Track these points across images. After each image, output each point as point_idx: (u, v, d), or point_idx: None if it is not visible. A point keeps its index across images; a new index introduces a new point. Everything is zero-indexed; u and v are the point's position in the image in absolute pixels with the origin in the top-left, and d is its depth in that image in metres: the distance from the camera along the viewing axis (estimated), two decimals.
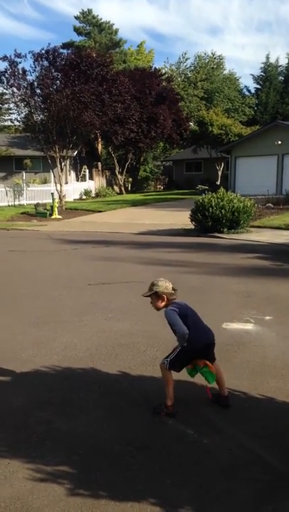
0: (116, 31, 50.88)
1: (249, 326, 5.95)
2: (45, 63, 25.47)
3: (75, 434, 3.44)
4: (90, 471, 2.97)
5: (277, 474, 2.97)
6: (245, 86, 53.89)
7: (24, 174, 30.53)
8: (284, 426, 3.55)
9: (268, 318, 6.30)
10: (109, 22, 50.32)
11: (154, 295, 3.80)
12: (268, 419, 3.64)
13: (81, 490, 2.79)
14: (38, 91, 25.84)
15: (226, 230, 15.43)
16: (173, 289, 3.81)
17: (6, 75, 25.28)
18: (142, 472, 2.97)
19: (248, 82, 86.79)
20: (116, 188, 40.04)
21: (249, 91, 50.32)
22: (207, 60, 50.96)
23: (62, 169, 27.82)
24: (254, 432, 3.46)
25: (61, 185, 27.20)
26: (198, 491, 2.81)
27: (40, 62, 25.38)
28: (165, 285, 3.79)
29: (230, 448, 3.26)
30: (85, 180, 37.24)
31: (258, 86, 48.14)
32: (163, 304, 3.80)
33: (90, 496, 2.74)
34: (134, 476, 2.93)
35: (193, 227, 16.48)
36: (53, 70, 25.70)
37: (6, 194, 27.88)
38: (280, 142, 27.34)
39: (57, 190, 26.73)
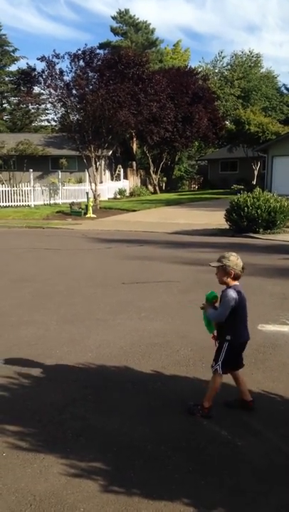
0: (152, 31, 51.01)
1: (285, 328, 5.84)
2: (82, 63, 25.71)
3: (109, 431, 3.46)
4: (123, 469, 2.98)
5: None
6: (284, 84, 52.80)
7: (60, 173, 30.95)
8: None
9: None
10: (146, 22, 50.50)
11: (222, 268, 3.68)
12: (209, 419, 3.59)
13: (115, 487, 2.80)
14: (74, 91, 26.12)
15: (261, 230, 15.19)
16: (242, 268, 3.72)
17: (44, 76, 25.67)
18: (175, 472, 2.95)
19: (286, 80, 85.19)
20: (150, 187, 40.09)
21: (287, 89, 49.39)
22: (244, 59, 50.34)
23: (97, 169, 28.04)
24: None
25: (96, 185, 27.42)
26: (233, 493, 2.77)
27: (77, 63, 25.64)
28: (236, 261, 3.67)
29: (266, 451, 3.21)
30: (120, 180, 37.43)
31: None
32: (228, 280, 3.70)
33: (123, 493, 2.75)
34: (168, 476, 2.92)
35: (228, 227, 16.30)
36: (88, 71, 25.91)
37: (42, 193, 28.32)
38: None
39: (91, 190, 26.96)
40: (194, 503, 2.66)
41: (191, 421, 3.61)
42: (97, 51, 26.87)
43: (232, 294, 3.63)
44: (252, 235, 15.06)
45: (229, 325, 3.66)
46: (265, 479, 2.91)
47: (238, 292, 3.68)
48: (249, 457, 3.13)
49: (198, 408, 3.69)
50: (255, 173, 37.88)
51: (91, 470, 2.97)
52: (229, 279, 3.70)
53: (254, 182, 34.95)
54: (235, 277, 3.71)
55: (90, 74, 26.04)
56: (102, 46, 45.36)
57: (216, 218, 18.14)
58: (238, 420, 3.61)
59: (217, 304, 3.76)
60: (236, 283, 3.74)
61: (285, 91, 48.93)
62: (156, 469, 2.99)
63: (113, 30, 51.15)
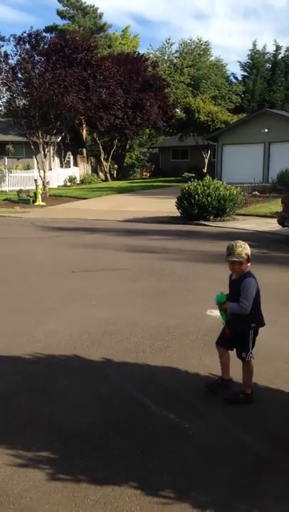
0: (100, 15, 50.14)
1: None
2: (28, 47, 24.98)
3: (57, 420, 3.43)
4: (71, 457, 2.97)
5: (259, 458, 3.00)
6: (232, 73, 53.62)
7: (6, 160, 30.10)
8: (267, 410, 3.58)
9: None
10: (93, 6, 49.55)
11: (247, 259, 3.65)
12: (251, 404, 3.67)
13: (62, 475, 2.78)
14: (20, 75, 25.36)
15: (212, 217, 15.44)
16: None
17: None
18: (123, 457, 2.97)
19: (235, 69, 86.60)
20: (101, 174, 39.75)
21: (236, 78, 50.04)
22: (193, 46, 50.51)
23: (45, 155, 27.47)
24: (237, 417, 3.48)
25: (45, 172, 26.88)
26: (180, 474, 2.82)
27: (23, 46, 24.88)
28: (248, 247, 3.66)
29: (213, 432, 3.28)
30: (70, 167, 36.88)
31: (245, 73, 47.89)
32: (246, 266, 3.68)
33: (70, 480, 2.74)
34: (116, 461, 2.93)
35: (179, 214, 16.46)
36: (34, 54, 25.22)
37: None
38: (266, 130, 27.36)
39: (40, 177, 26.42)
40: (141, 486, 2.68)
41: (139, 406, 3.63)
42: (44, 34, 26.21)
43: (253, 282, 3.64)
44: (202, 222, 15.29)
45: (252, 312, 3.64)
46: (211, 459, 2.97)
47: (254, 276, 3.69)
48: (196, 439, 3.19)
49: (240, 396, 3.69)
50: (206, 161, 38.33)
51: (38, 459, 2.93)
52: (247, 266, 3.70)
53: (205, 170, 35.37)
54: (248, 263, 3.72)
55: (36, 58, 25.37)
56: (48, 29, 44.20)
57: (167, 206, 18.27)
58: (186, 403, 3.67)
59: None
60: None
61: (234, 80, 49.60)
62: (104, 455, 2.99)
63: (60, 14, 49.88)
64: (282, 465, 2.92)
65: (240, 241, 3.71)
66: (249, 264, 3.71)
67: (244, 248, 3.63)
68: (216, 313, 5.96)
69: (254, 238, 12.27)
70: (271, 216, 15.19)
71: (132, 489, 2.67)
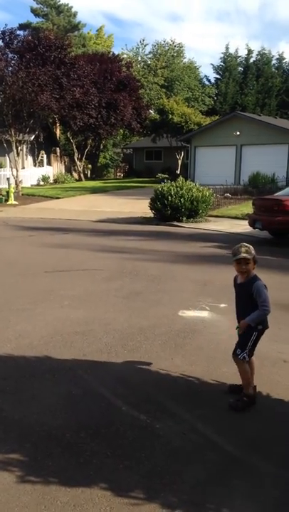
0: (75, 14, 49.90)
1: (204, 314, 6.04)
2: (1, 44, 24.64)
3: (28, 422, 3.40)
4: (41, 458, 2.95)
5: (228, 457, 3.05)
6: (205, 76, 53.95)
7: None
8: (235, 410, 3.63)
9: (223, 305, 6.40)
10: (67, 4, 49.27)
11: (253, 259, 3.66)
12: (220, 404, 3.72)
13: (32, 477, 2.77)
14: None
15: (184, 218, 15.54)
16: None
17: None
18: (94, 458, 2.97)
19: (208, 72, 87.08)
20: (75, 174, 39.48)
21: (209, 81, 50.49)
22: (167, 48, 50.73)
23: (18, 154, 27.14)
24: (207, 416, 3.53)
25: (17, 170, 26.54)
26: (150, 474, 2.84)
27: None
28: (253, 250, 3.67)
29: (183, 432, 3.32)
30: (43, 166, 36.50)
31: (218, 76, 48.44)
32: (253, 268, 3.70)
33: (40, 482, 2.73)
34: (87, 462, 2.93)
35: (152, 215, 16.50)
36: (8, 52, 24.89)
37: None
38: (238, 133, 27.72)
39: (13, 175, 26.06)
40: (112, 487, 2.70)
41: (110, 407, 3.64)
42: (18, 32, 25.91)
43: (262, 284, 3.65)
44: (175, 223, 15.37)
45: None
46: (181, 459, 3.01)
47: (260, 278, 3.71)
48: (166, 439, 3.22)
49: (243, 400, 3.65)
50: (179, 162, 38.55)
51: (7, 462, 2.91)
52: (253, 269, 3.72)
53: (178, 171, 35.57)
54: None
55: (10, 55, 25.05)
56: (22, 27, 43.70)
57: (141, 207, 18.29)
58: (157, 404, 3.69)
59: None
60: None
61: (207, 82, 50.03)
62: (74, 456, 2.98)
63: (34, 11, 49.38)
64: (250, 464, 2.98)
65: (244, 243, 3.74)
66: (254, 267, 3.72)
67: (250, 248, 3.67)
68: (188, 313, 6.03)
69: (226, 239, 12.43)
70: (243, 218, 15.40)
71: (102, 490, 2.68)
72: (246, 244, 3.70)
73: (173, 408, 3.64)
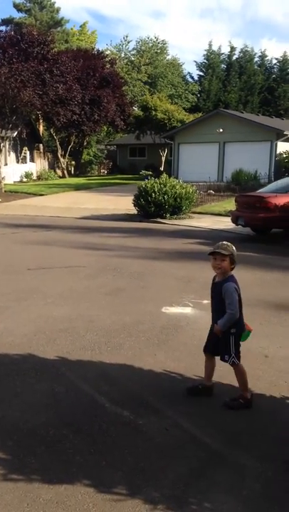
0: (58, 10, 49.52)
1: (187, 310, 6.08)
2: None
3: (10, 419, 3.39)
4: (24, 456, 2.95)
5: (210, 452, 3.08)
6: (189, 72, 53.99)
7: None
8: (217, 405, 3.67)
9: (205, 302, 6.42)
10: (50, 0, 48.81)
11: (230, 257, 3.61)
12: (202, 400, 3.75)
13: (14, 475, 2.76)
14: None
15: (168, 215, 15.58)
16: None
17: None
18: (77, 455, 2.98)
19: (191, 69, 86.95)
20: (58, 171, 39.25)
21: (192, 78, 50.62)
22: (151, 44, 50.68)
23: (0, 150, 26.86)
24: (189, 412, 3.56)
25: (0, 167, 26.28)
26: (133, 470, 2.85)
27: None
28: (234, 250, 3.64)
29: (166, 428, 3.34)
30: (26, 163, 36.18)
31: (201, 73, 48.57)
32: (230, 268, 3.66)
33: (22, 480, 2.72)
34: (70, 459, 2.93)
35: (136, 212, 16.50)
36: None
37: None
38: (221, 130, 27.84)
39: None
40: (95, 484, 2.70)
41: (94, 404, 3.64)
42: (0, 28, 25.55)
43: (232, 286, 3.60)
44: (159, 220, 15.40)
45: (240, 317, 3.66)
46: (163, 455, 3.03)
47: (235, 281, 3.66)
48: (149, 435, 3.24)
49: (239, 402, 3.64)
50: (163, 159, 38.56)
51: None
52: (230, 269, 3.68)
53: (162, 168, 35.61)
54: (233, 267, 3.70)
55: None
56: (4, 22, 43.27)
57: (124, 203, 18.27)
58: (140, 401, 3.71)
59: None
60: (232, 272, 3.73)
61: (190, 79, 50.13)
62: (57, 454, 2.98)
63: (16, 7, 48.87)
64: (231, 458, 3.01)
65: (227, 243, 3.70)
66: (233, 267, 3.69)
67: (229, 246, 3.64)
68: (171, 310, 6.06)
69: (209, 236, 12.50)
70: (226, 215, 15.50)
71: (85, 487, 2.68)
72: (228, 243, 3.70)
73: (156, 404, 3.66)
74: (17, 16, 48.06)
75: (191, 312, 6.00)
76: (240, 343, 3.74)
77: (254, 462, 2.97)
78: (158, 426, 3.36)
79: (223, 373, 4.08)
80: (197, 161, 28.49)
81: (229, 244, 3.69)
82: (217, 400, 3.74)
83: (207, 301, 6.39)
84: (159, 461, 2.96)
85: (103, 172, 48.08)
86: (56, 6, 49.17)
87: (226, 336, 3.66)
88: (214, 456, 3.04)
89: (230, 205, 16.21)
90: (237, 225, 12.33)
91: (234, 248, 3.67)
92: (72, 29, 51.16)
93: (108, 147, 50.38)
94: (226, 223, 13.98)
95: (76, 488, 2.67)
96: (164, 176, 16.45)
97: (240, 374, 3.74)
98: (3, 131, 26.24)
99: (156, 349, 4.75)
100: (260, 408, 3.65)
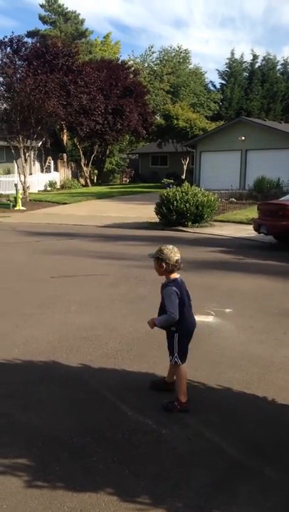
0: (82, 21, 50.32)
1: (210, 319, 6.06)
2: (9, 51, 24.90)
3: (35, 426, 3.43)
4: (48, 463, 2.98)
5: (234, 462, 3.06)
6: (211, 81, 54.26)
7: None
8: (240, 415, 3.65)
9: (228, 310, 6.42)
10: (75, 12, 49.71)
11: (156, 260, 3.75)
12: (225, 409, 3.73)
13: (39, 482, 2.79)
14: (1, 79, 25.26)
15: (190, 223, 15.59)
16: (176, 262, 3.73)
17: None
18: (100, 463, 2.99)
19: (213, 77, 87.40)
20: (81, 180, 39.69)
21: (214, 86, 50.68)
22: (173, 54, 50.99)
23: (26, 160, 27.35)
24: (212, 422, 3.54)
25: (25, 176, 26.73)
26: (156, 479, 2.86)
27: (4, 50, 24.79)
28: (169, 255, 3.70)
29: (189, 437, 3.33)
30: (50, 172, 36.74)
31: (223, 81, 48.59)
32: (164, 272, 3.77)
33: (47, 487, 2.75)
34: (93, 467, 2.95)
35: (158, 220, 16.56)
36: (16, 59, 25.16)
37: None
38: (243, 138, 27.77)
39: (21, 181, 26.25)
40: (118, 492, 2.72)
41: (116, 412, 3.66)
42: (25, 39, 26.17)
43: (171, 289, 3.69)
44: (181, 228, 15.42)
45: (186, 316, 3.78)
46: (186, 464, 3.02)
47: (178, 284, 3.75)
48: (172, 444, 3.24)
49: (174, 404, 3.68)
50: (185, 167, 38.65)
51: (15, 466, 2.93)
52: (165, 273, 3.77)
53: (183, 176, 35.66)
54: (170, 271, 3.75)
55: (18, 62, 25.29)
56: (30, 34, 44.12)
57: (146, 212, 18.35)
58: (161, 409, 3.71)
59: None
60: (175, 276, 3.80)
61: (212, 88, 50.19)
62: (81, 461, 3.01)
63: (42, 19, 49.88)
64: (255, 469, 2.99)
65: (167, 246, 3.78)
66: (166, 273, 3.77)
67: (160, 250, 3.74)
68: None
69: (231, 244, 12.45)
70: (248, 222, 15.42)
71: (109, 496, 2.70)
72: (162, 247, 3.78)
73: (178, 413, 3.65)
74: (42, 28, 49.03)
75: (213, 321, 5.98)
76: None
77: (278, 474, 2.94)
78: (180, 435, 3.35)
79: (247, 384, 4.07)
80: (219, 169, 28.46)
81: (162, 247, 3.76)
82: (240, 410, 3.72)
83: (229, 310, 6.39)
84: (182, 470, 2.96)
85: (125, 181, 48.40)
86: (80, 17, 50.02)
87: (169, 336, 3.81)
88: (237, 466, 3.02)
89: (253, 213, 16.12)
90: (259, 233, 12.25)
91: (167, 251, 3.70)
92: (96, 40, 51.90)
93: (130, 156, 50.72)
94: (248, 231, 13.90)
95: (100, 496, 2.69)
96: (186, 184, 16.47)
97: (179, 377, 3.77)
98: (29, 141, 26.73)
99: None
100: (284, 419, 3.61)
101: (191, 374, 4.25)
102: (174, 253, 3.72)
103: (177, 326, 3.74)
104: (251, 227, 13.11)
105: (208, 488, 2.79)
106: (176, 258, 3.73)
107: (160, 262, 3.73)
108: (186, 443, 3.26)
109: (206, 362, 4.66)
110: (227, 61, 48.66)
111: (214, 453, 3.15)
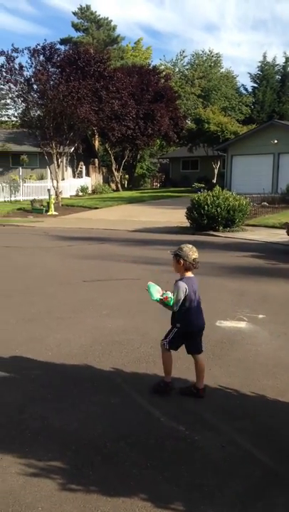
0: (114, 28, 50.85)
1: (242, 324, 5.99)
2: (42, 58, 25.39)
3: (68, 430, 3.46)
4: (82, 467, 3.00)
5: (268, 471, 3.01)
6: (242, 85, 54.02)
7: (21, 170, 30.45)
8: (275, 423, 3.59)
9: (261, 316, 6.34)
10: (107, 18, 50.27)
11: (175, 256, 3.93)
12: (259, 417, 3.68)
13: (73, 485, 2.81)
14: (35, 87, 25.77)
15: (221, 228, 15.47)
16: (193, 261, 3.89)
17: (3, 71, 25.17)
18: (134, 468, 2.99)
19: (244, 81, 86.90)
20: (112, 184, 40.01)
21: (246, 89, 50.30)
22: (205, 58, 50.92)
23: (58, 165, 27.76)
24: (246, 429, 3.50)
25: (58, 182, 27.13)
26: (190, 486, 2.84)
27: (37, 58, 25.29)
28: (188, 253, 3.88)
29: (223, 444, 3.30)
30: (82, 177, 37.17)
31: (255, 85, 48.17)
32: (181, 269, 3.95)
33: (81, 491, 2.77)
34: (126, 472, 2.95)
35: (188, 225, 16.51)
36: (49, 66, 25.62)
37: (3, 190, 27.79)
38: (276, 141, 27.42)
39: (53, 187, 26.66)
40: (152, 499, 2.71)
41: (149, 418, 3.66)
42: (58, 46, 26.61)
43: (181, 284, 3.88)
44: (212, 232, 15.32)
45: (180, 314, 3.96)
46: (220, 472, 2.99)
47: (190, 281, 3.93)
48: (205, 451, 3.21)
49: (161, 385, 3.99)
50: (216, 171, 38.43)
51: (49, 469, 2.97)
52: (181, 269, 3.94)
53: (214, 181, 35.46)
54: (186, 268, 3.92)
55: (51, 70, 25.76)
56: (63, 42, 44.86)
57: (177, 216, 18.32)
58: (195, 415, 3.69)
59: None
60: (189, 274, 3.97)
61: (243, 91, 49.82)
62: (114, 466, 3.02)
63: (74, 26, 50.67)
64: None
65: (187, 244, 3.98)
66: (182, 270, 3.95)
67: (180, 249, 3.91)
68: (226, 324, 5.99)
69: (263, 249, 12.28)
70: (280, 227, 15.18)
71: (142, 501, 2.69)
72: (182, 245, 3.97)
73: (211, 420, 3.63)
74: (75, 35, 49.81)
75: (246, 327, 5.91)
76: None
77: None
78: (214, 442, 3.32)
79: (281, 391, 4.00)
80: (251, 173, 28.16)
81: (182, 245, 3.96)
82: (274, 419, 3.66)
83: (262, 316, 6.30)
84: (216, 478, 2.93)
85: (156, 185, 48.50)
86: (112, 24, 50.55)
87: (172, 326, 4.07)
88: (272, 475, 2.97)
89: (285, 217, 15.89)
90: None
91: (186, 249, 3.89)
92: (127, 46, 52.34)
93: (161, 160, 50.84)
94: (280, 236, 13.69)
95: (134, 501, 2.69)
96: (217, 188, 16.37)
97: (164, 360, 4.07)
98: (61, 147, 27.14)
99: (211, 364, 4.70)
100: None
101: (224, 380, 4.21)
102: (192, 252, 3.90)
103: (181, 325, 3.96)
104: (284, 231, 12.90)
105: (242, 497, 2.75)
106: (194, 257, 3.89)
107: (178, 259, 3.90)
108: (220, 450, 3.22)
109: (239, 368, 4.60)
110: (259, 64, 48.27)
111: (248, 461, 3.11)
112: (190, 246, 3.94)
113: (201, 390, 3.98)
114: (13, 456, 3.11)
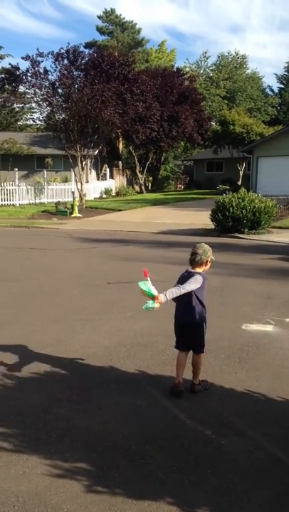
0: (139, 30, 51.10)
1: (269, 328, 5.90)
2: (66, 62, 25.62)
3: (94, 431, 3.46)
4: (107, 469, 2.98)
5: None
6: (269, 86, 53.39)
7: (45, 173, 30.78)
8: None
9: (288, 320, 6.23)
10: (132, 21, 50.57)
11: (211, 261, 4.29)
12: (286, 422, 3.60)
13: (98, 487, 2.80)
14: (60, 90, 26.04)
15: (246, 230, 15.31)
16: (191, 254, 4.38)
17: (29, 75, 25.52)
18: (159, 471, 2.96)
19: (270, 81, 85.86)
20: (136, 187, 40.09)
21: (272, 90, 49.80)
22: (230, 59, 50.64)
23: (83, 168, 27.97)
24: (273, 434, 3.43)
25: (82, 184, 27.33)
26: (216, 491, 2.79)
27: (61, 62, 25.54)
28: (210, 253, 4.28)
29: (249, 449, 3.24)
30: (106, 179, 37.36)
31: (281, 85, 47.64)
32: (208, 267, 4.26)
33: (107, 493, 2.75)
34: (152, 475, 2.92)
35: (213, 227, 16.39)
36: (73, 70, 25.84)
37: (27, 192, 28.14)
38: None
39: (77, 189, 26.86)
40: (178, 503, 2.67)
41: (175, 421, 3.62)
42: (81, 49, 26.80)
43: (199, 277, 4.19)
44: (237, 235, 15.17)
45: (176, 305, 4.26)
46: (247, 477, 2.93)
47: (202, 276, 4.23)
48: (232, 456, 3.15)
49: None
50: (241, 173, 38.11)
51: (75, 471, 2.96)
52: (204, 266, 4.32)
53: (239, 182, 35.17)
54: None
55: (75, 73, 25.98)
56: (88, 45, 45.29)
57: (201, 218, 18.22)
58: (221, 420, 3.64)
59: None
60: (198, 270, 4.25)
61: (269, 92, 49.33)
62: (140, 469, 2.99)
63: (99, 30, 51.10)
64: None
65: (202, 245, 4.31)
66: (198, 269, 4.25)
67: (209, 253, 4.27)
68: (252, 327, 5.91)
69: None
70: None
71: (168, 505, 2.66)
72: (206, 248, 4.29)
73: (238, 424, 3.57)
74: (100, 38, 50.22)
75: (273, 330, 5.81)
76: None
77: None
78: (241, 447, 3.26)
79: None
80: (277, 175, 27.78)
81: (208, 248, 4.28)
82: None
83: None
84: (243, 483, 2.87)
85: (180, 187, 48.39)
86: (137, 27, 50.78)
87: None
88: None
89: None
90: None
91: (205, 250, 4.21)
92: (151, 48, 52.48)
93: (185, 162, 50.70)
94: None
95: (159, 505, 2.66)
96: (243, 190, 16.20)
97: (177, 362, 4.18)
98: (86, 149, 27.34)
99: (237, 367, 4.64)
100: None
101: (251, 384, 4.14)
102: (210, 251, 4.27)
103: (175, 314, 4.30)
104: None
105: (270, 504, 2.69)
106: (192, 250, 4.32)
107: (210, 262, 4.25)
108: (247, 455, 3.17)
109: (266, 372, 4.52)
110: (285, 65, 47.74)
111: (276, 467, 3.04)
112: (203, 244, 4.38)
113: (196, 386, 4.13)
114: (38, 457, 3.12)
